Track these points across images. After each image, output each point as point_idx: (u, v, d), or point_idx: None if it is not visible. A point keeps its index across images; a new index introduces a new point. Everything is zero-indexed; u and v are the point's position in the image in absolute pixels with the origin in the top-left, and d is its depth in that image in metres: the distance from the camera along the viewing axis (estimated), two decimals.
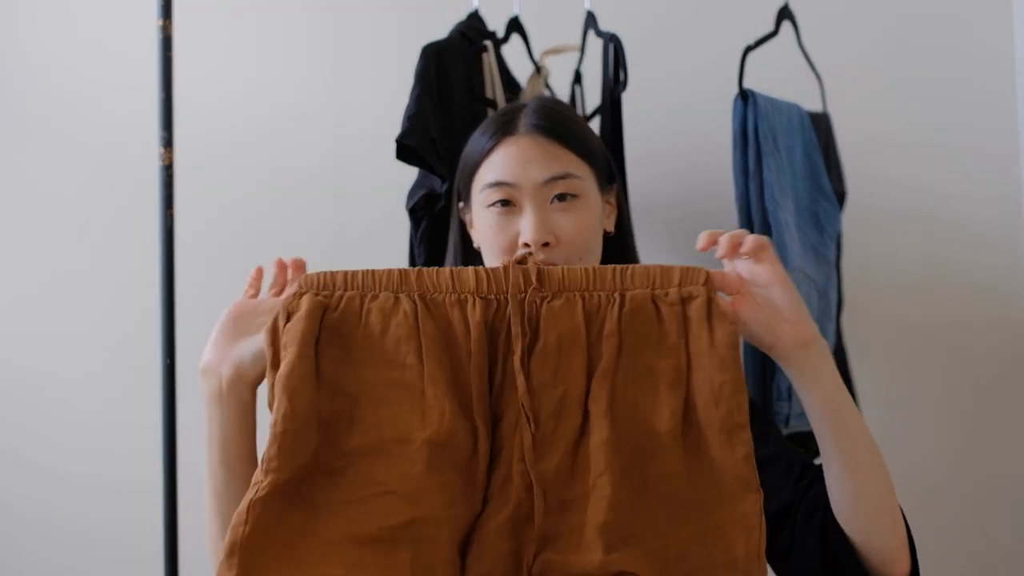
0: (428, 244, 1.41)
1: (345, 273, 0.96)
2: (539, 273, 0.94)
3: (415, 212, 1.42)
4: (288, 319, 0.95)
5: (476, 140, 1.19)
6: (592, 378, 0.93)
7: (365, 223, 1.80)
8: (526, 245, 1.11)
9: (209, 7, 1.82)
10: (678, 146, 1.76)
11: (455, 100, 1.45)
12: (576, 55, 1.66)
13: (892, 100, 1.79)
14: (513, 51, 1.64)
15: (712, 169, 1.65)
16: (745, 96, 1.47)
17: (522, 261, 0.96)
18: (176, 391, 1.53)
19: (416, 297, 0.94)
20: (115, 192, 1.82)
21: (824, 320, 1.52)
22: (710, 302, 0.93)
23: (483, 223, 1.15)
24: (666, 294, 0.94)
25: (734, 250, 0.97)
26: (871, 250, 1.76)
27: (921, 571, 1.77)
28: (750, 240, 0.96)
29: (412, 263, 1.45)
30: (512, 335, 0.93)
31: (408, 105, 1.39)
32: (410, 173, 1.46)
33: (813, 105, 1.64)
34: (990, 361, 1.77)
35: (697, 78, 1.77)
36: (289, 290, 1.01)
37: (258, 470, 0.90)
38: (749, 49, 1.50)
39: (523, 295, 0.93)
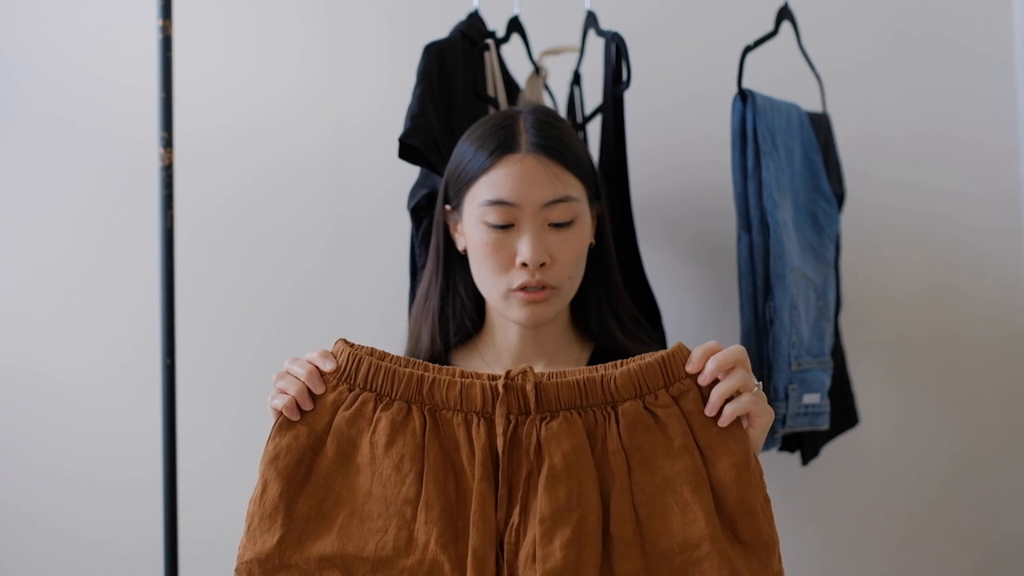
0: (429, 244, 1.41)
1: (368, 367, 0.97)
2: (536, 392, 0.94)
3: (416, 212, 1.42)
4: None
5: (472, 151, 1.18)
6: (608, 500, 0.92)
7: (364, 220, 1.80)
8: (524, 265, 1.12)
9: (207, 4, 1.82)
10: (677, 145, 1.76)
11: (456, 100, 1.45)
12: (575, 55, 1.67)
13: (891, 98, 1.79)
14: (512, 51, 1.64)
15: (711, 168, 1.66)
16: (744, 96, 1.47)
17: (523, 372, 0.95)
18: (176, 391, 1.53)
19: (427, 412, 0.95)
20: (115, 191, 1.81)
21: (822, 321, 1.53)
22: (701, 390, 0.95)
23: (478, 237, 1.15)
24: (656, 398, 0.94)
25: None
26: (870, 250, 1.76)
27: (921, 573, 1.79)
28: (717, 366, 0.96)
29: (413, 263, 1.45)
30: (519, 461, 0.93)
31: (410, 104, 1.39)
32: (409, 168, 1.46)
33: (812, 105, 1.65)
34: (990, 360, 1.77)
35: (696, 78, 1.77)
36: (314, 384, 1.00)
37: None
38: (748, 49, 1.50)
39: (524, 417, 0.93)
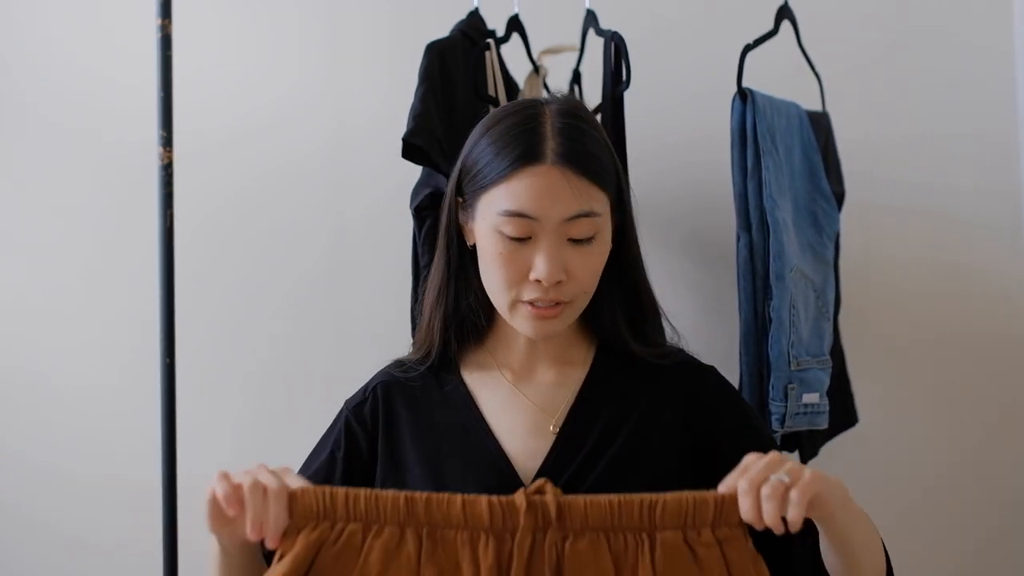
0: (432, 244, 1.40)
1: (346, 496, 0.88)
2: (559, 508, 0.87)
3: (419, 211, 1.42)
4: (280, 558, 0.89)
5: (492, 151, 1.09)
6: None
7: (364, 220, 1.80)
8: (538, 281, 1.07)
9: (207, 3, 1.82)
10: (677, 145, 1.76)
11: (458, 99, 1.45)
12: (575, 54, 1.67)
13: (891, 97, 1.79)
14: (511, 50, 1.64)
15: (711, 168, 1.65)
16: (744, 95, 1.48)
17: (540, 490, 0.89)
18: (176, 391, 1.53)
19: (424, 533, 0.88)
20: (114, 190, 1.81)
21: (821, 320, 1.53)
22: (748, 543, 0.89)
23: (491, 246, 1.10)
24: (699, 534, 0.88)
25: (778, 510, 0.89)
26: (869, 249, 1.76)
27: (919, 571, 1.79)
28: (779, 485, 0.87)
29: (416, 262, 1.45)
30: None
31: (413, 104, 1.39)
32: (409, 168, 1.46)
33: (812, 104, 1.65)
34: (990, 359, 1.77)
35: (696, 77, 1.77)
36: (281, 515, 0.89)
37: None
38: (748, 48, 1.50)
39: (542, 535, 0.87)
